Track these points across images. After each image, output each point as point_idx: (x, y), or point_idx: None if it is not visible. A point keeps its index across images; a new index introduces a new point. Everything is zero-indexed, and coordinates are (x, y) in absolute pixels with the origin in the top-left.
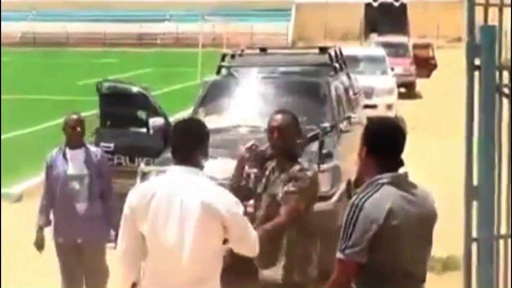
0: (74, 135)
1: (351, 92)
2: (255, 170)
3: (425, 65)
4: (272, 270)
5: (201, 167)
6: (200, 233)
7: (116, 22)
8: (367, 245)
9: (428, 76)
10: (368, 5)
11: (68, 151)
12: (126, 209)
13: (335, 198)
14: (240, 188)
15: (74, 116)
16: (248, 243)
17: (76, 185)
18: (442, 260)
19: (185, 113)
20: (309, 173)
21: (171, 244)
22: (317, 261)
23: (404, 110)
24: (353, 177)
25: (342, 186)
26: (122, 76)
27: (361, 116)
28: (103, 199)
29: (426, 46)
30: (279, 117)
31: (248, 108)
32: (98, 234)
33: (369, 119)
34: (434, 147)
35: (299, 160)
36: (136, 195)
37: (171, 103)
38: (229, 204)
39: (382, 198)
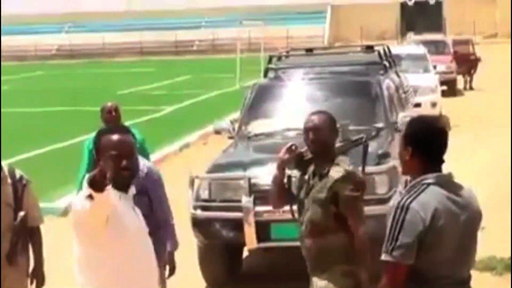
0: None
1: (401, 91)
2: (295, 172)
3: (466, 61)
4: (326, 277)
5: None
6: None
7: (152, 30)
8: (415, 248)
9: (469, 72)
10: (403, 4)
11: None
12: None
13: (392, 201)
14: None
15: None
16: None
17: None
18: (503, 261)
19: (228, 118)
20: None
21: None
22: (370, 266)
23: (447, 107)
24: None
25: (400, 188)
26: (160, 84)
27: (412, 115)
28: (150, 216)
29: (466, 42)
30: (314, 118)
31: (297, 110)
32: None
33: (411, 119)
34: (478, 144)
35: (341, 160)
36: None
37: (211, 109)
38: None
39: (428, 199)
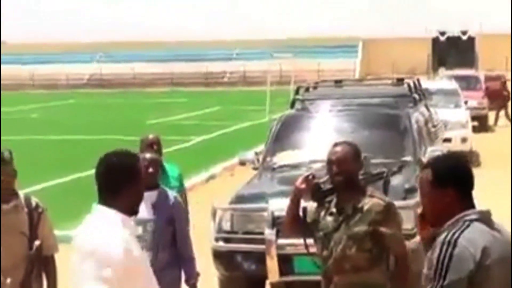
0: (146, 176)
1: (430, 125)
2: (311, 203)
3: (498, 97)
4: None
5: (125, 209)
6: None
7: (183, 61)
8: (465, 285)
9: (501, 108)
10: (435, 39)
11: None
12: None
13: (419, 236)
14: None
15: (148, 155)
16: None
17: (139, 230)
18: None
19: (256, 150)
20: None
21: None
22: None
23: (477, 143)
24: None
25: None
26: (190, 115)
27: (441, 149)
28: (176, 248)
29: (498, 78)
30: (337, 149)
31: (323, 142)
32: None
33: (436, 158)
34: (508, 181)
35: (374, 191)
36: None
37: (240, 141)
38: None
39: (475, 234)
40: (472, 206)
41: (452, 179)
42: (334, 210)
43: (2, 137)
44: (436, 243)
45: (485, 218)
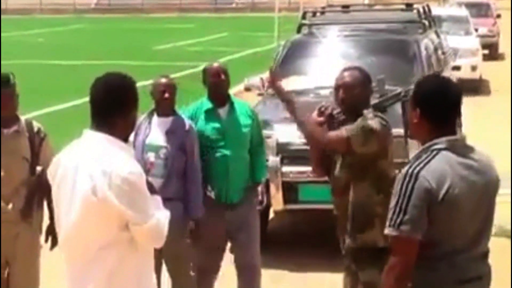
0: (161, 101)
1: (440, 52)
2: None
3: None
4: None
5: (120, 135)
6: (83, 219)
7: None
8: (425, 220)
9: None
10: None
11: (155, 117)
12: None
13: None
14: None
15: (163, 80)
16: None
17: (151, 157)
18: None
19: (263, 76)
20: (370, 122)
21: (63, 234)
22: None
23: (487, 71)
24: None
25: None
26: (198, 40)
27: (450, 76)
28: (184, 178)
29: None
30: (345, 74)
31: (330, 68)
32: (174, 220)
33: (420, 78)
34: None
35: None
36: (52, 164)
37: (248, 67)
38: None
39: (439, 165)
40: (448, 133)
41: (421, 100)
42: None
43: (8, 61)
44: (399, 175)
45: (455, 146)
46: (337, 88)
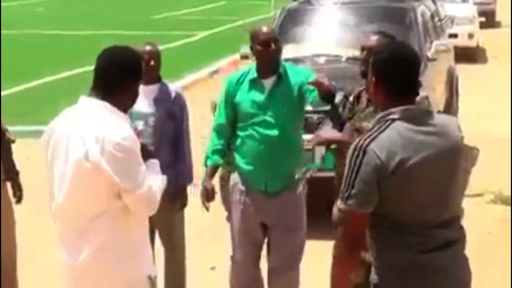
0: (147, 69)
1: (436, 19)
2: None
3: None
4: None
5: (120, 106)
6: (76, 185)
7: None
8: (375, 194)
9: None
10: None
11: (141, 86)
12: None
13: None
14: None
15: (148, 48)
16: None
17: (140, 124)
18: None
19: None
20: None
21: (56, 201)
22: None
23: (485, 39)
24: (442, 108)
25: None
26: (194, 10)
27: (447, 44)
28: (174, 145)
29: None
30: (374, 38)
31: (327, 36)
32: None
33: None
34: None
35: None
36: (46, 131)
37: (246, 36)
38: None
39: (390, 137)
40: (406, 102)
41: (374, 68)
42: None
43: (8, 31)
44: (351, 147)
45: (410, 115)
46: (363, 49)
